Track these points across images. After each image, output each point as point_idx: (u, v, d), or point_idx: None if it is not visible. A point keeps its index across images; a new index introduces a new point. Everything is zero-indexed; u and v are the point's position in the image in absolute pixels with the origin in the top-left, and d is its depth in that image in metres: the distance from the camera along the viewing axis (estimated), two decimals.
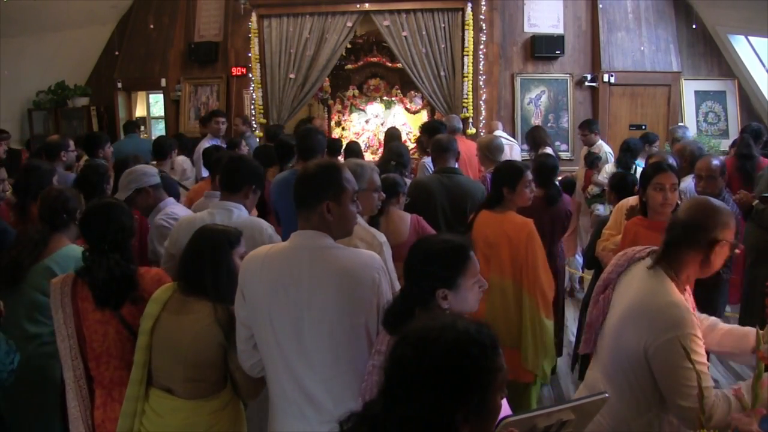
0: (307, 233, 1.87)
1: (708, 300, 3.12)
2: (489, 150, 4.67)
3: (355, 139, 7.71)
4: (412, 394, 1.15)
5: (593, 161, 5.80)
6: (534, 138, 5.95)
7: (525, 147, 7.09)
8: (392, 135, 6.02)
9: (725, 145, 7.05)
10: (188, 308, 2.07)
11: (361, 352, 1.82)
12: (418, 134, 6.85)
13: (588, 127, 6.10)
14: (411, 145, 7.30)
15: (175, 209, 3.22)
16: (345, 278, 1.81)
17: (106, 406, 2.25)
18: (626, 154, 5.34)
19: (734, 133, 7.11)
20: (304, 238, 1.88)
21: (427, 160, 4.72)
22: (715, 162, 3.42)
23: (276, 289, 1.83)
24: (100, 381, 2.27)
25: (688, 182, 4.02)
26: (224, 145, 5.50)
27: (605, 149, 5.96)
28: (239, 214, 2.76)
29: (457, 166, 3.99)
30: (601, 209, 5.42)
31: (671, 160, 3.59)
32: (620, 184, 3.98)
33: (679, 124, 7.03)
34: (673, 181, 2.96)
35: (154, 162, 4.81)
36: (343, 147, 5.90)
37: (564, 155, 7.57)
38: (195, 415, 2.05)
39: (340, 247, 1.89)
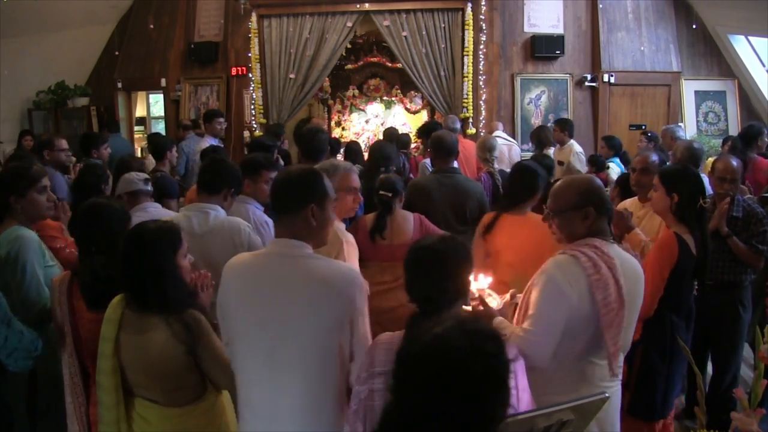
0: (284, 241, 1.81)
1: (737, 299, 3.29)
2: (479, 148, 4.90)
3: (355, 139, 7.72)
4: (450, 413, 1.04)
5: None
6: (539, 138, 5.91)
7: (526, 147, 7.11)
8: (391, 135, 6.01)
9: None
10: (144, 326, 1.96)
11: (332, 368, 1.76)
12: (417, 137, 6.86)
13: (562, 126, 5.99)
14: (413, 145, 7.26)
15: (142, 214, 2.98)
16: (320, 289, 1.75)
17: None
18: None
19: (734, 133, 7.11)
20: (281, 245, 1.82)
21: (427, 161, 4.70)
22: (735, 163, 3.31)
23: (250, 297, 1.79)
24: (95, 379, 2.25)
25: None
26: (222, 145, 5.50)
27: (576, 149, 5.88)
28: (216, 215, 2.73)
29: (456, 165, 3.96)
30: None
31: (654, 157, 3.48)
32: (626, 184, 3.96)
33: (679, 123, 7.03)
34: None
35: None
36: (342, 148, 5.91)
37: None
38: (188, 420, 2.01)
39: (319, 257, 1.84)
